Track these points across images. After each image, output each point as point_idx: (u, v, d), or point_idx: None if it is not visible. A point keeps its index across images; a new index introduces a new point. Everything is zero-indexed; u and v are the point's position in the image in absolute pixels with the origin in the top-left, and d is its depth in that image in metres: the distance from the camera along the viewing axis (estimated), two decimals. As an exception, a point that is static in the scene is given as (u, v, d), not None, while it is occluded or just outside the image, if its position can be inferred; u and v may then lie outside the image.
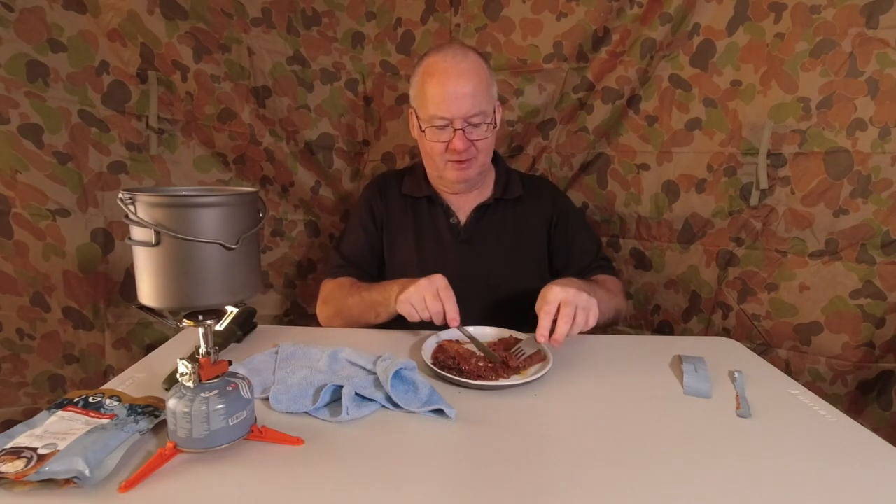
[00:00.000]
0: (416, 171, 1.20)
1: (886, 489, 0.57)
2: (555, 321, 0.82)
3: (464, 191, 1.16)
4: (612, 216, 1.42)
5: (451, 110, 1.00)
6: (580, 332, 0.84)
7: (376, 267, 1.19)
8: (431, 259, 1.13)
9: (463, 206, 1.16)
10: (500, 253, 1.14)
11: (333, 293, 1.11)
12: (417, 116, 1.07)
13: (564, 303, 0.82)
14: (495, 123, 1.07)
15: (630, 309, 1.46)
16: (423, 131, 1.05)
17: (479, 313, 1.08)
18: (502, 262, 1.13)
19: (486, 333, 0.95)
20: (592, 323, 0.84)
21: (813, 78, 1.11)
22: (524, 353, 0.85)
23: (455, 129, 1.01)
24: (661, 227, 1.35)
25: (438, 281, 0.89)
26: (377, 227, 1.18)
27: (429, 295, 0.88)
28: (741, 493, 0.56)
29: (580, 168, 1.42)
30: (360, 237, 1.18)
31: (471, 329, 0.95)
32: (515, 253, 1.14)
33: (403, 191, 1.18)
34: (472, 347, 0.89)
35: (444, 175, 1.09)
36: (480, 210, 1.15)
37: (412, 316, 0.91)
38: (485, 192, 1.18)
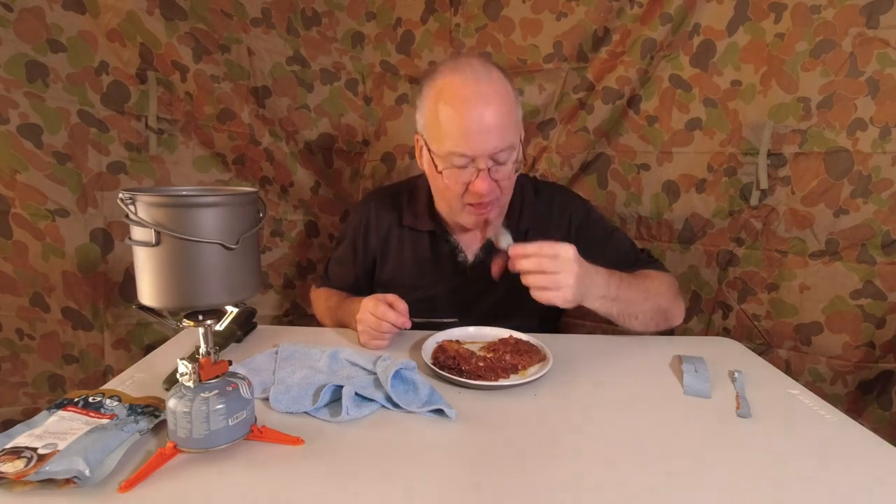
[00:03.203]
0: (418, 199, 1.06)
1: (886, 489, 0.57)
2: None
3: (476, 227, 1.01)
4: (612, 216, 1.41)
5: (473, 147, 0.83)
6: (541, 298, 0.80)
7: (363, 292, 1.03)
8: (440, 296, 1.04)
9: (471, 244, 1.04)
10: (513, 288, 0.90)
11: (318, 306, 1.15)
12: (429, 149, 0.89)
13: (559, 263, 0.78)
14: (522, 155, 0.93)
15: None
16: (440, 172, 0.88)
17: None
18: (514, 296, 0.90)
19: (486, 334, 0.95)
20: (553, 301, 0.79)
21: (813, 78, 1.11)
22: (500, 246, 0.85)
23: (479, 170, 0.85)
24: (662, 227, 1.35)
25: (367, 305, 0.88)
26: (368, 257, 1.09)
27: (374, 327, 0.87)
28: (741, 492, 0.56)
29: (580, 168, 1.41)
30: (348, 269, 1.12)
31: (471, 329, 0.95)
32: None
33: (404, 222, 1.05)
34: (472, 348, 0.88)
35: (459, 219, 0.96)
36: (490, 246, 1.02)
37: (384, 342, 0.89)
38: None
